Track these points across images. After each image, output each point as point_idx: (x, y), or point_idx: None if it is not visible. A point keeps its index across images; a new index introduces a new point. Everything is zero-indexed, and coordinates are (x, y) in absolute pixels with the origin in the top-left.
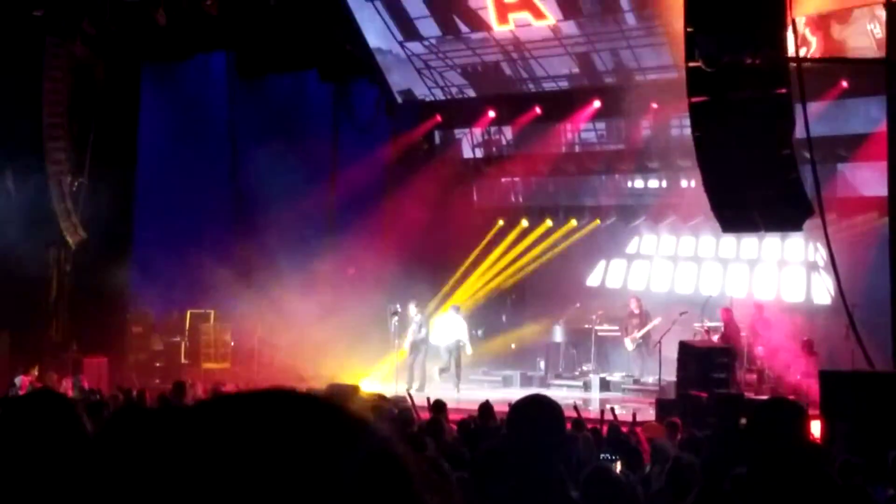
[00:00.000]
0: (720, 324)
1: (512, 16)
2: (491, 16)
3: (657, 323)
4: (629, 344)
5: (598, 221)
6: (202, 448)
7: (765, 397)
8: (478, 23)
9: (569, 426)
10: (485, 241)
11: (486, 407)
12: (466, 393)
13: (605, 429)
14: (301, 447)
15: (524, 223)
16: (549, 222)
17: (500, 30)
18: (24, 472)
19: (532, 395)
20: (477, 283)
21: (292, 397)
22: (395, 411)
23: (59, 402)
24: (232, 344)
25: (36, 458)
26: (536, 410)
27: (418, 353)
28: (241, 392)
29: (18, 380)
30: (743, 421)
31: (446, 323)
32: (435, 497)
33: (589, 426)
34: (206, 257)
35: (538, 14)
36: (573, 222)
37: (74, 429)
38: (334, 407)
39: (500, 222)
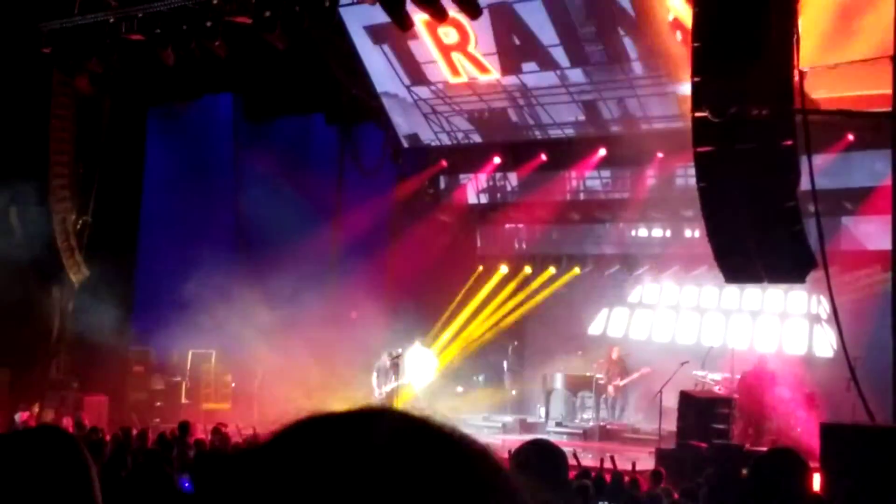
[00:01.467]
0: (720, 376)
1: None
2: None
3: (645, 372)
4: (612, 390)
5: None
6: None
7: (765, 449)
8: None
9: (573, 474)
10: (488, 288)
11: None
12: None
13: (608, 477)
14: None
15: (527, 270)
16: (552, 269)
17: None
18: None
19: (535, 440)
20: (479, 329)
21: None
22: None
23: (64, 439)
24: (233, 385)
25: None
26: (538, 455)
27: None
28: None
29: (18, 416)
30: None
31: (420, 359)
32: None
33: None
34: (208, 298)
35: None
36: (576, 270)
37: (79, 465)
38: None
39: (504, 269)
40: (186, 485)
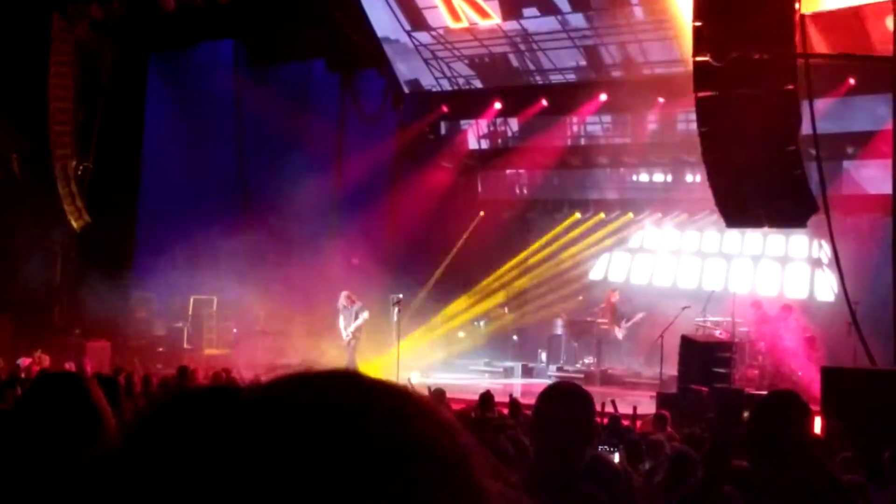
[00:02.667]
0: (721, 319)
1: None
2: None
3: (643, 316)
4: (619, 333)
5: (602, 215)
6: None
7: (759, 392)
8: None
9: None
10: (488, 233)
11: (486, 397)
12: (467, 383)
13: (604, 421)
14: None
15: (529, 215)
16: (553, 215)
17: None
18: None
19: (563, 382)
20: (494, 278)
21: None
22: None
23: (79, 384)
24: (234, 330)
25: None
26: (567, 397)
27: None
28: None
29: (21, 362)
30: (745, 415)
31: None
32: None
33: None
34: (210, 244)
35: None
36: (577, 215)
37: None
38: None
39: (505, 214)
40: None
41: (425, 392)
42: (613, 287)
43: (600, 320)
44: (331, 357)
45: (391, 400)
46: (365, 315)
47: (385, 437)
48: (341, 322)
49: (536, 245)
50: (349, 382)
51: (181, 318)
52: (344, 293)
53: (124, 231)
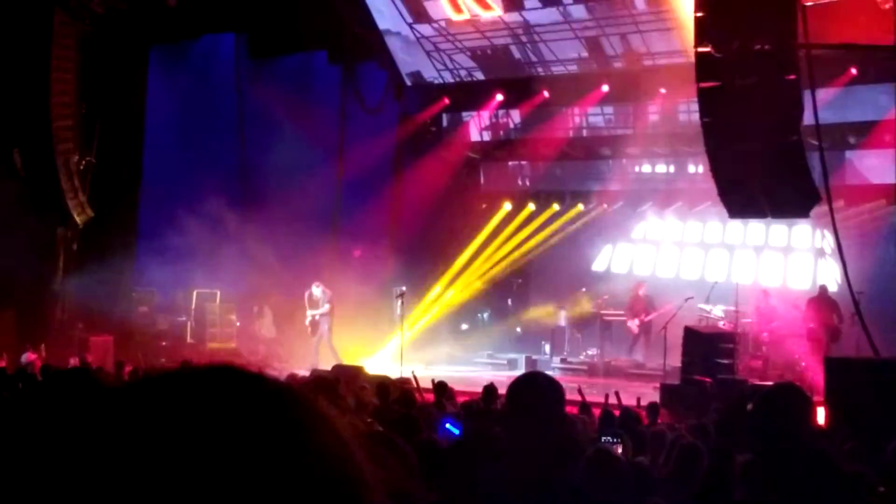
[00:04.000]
0: (725, 309)
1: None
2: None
3: (669, 308)
4: (633, 325)
5: (603, 206)
6: (115, 428)
7: (770, 383)
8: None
9: (576, 410)
10: (491, 225)
11: (489, 389)
12: (472, 375)
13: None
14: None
15: (531, 207)
16: (555, 206)
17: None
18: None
19: (530, 372)
20: (483, 267)
21: (226, 373)
22: (397, 392)
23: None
24: (237, 324)
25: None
26: (533, 386)
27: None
28: (168, 371)
29: (24, 357)
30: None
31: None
32: (371, 465)
33: (596, 410)
34: (212, 237)
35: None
36: (580, 207)
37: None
38: (255, 378)
39: (507, 205)
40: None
41: (429, 384)
42: (640, 280)
43: (605, 311)
44: (335, 348)
45: (264, 398)
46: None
47: (245, 437)
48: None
49: (540, 237)
50: (215, 380)
51: (184, 311)
52: (315, 283)
53: (126, 225)
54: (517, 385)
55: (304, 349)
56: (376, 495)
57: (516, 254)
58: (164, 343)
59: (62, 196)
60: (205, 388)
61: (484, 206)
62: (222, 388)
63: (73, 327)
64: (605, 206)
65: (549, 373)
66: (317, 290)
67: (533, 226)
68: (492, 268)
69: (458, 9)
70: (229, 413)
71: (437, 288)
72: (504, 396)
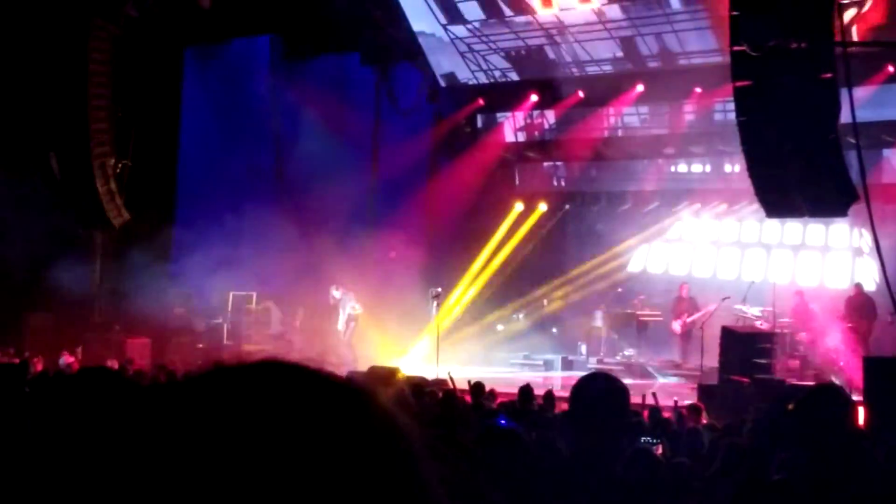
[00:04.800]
0: (762, 309)
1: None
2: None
3: (711, 309)
4: (677, 327)
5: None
6: (194, 422)
7: (809, 383)
8: (521, 6)
9: None
10: (526, 226)
11: (525, 390)
12: (508, 375)
13: (645, 414)
14: (296, 419)
15: (566, 207)
16: (589, 207)
17: (543, 13)
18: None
19: (597, 372)
20: (518, 267)
21: (287, 369)
22: (438, 393)
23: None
24: (273, 326)
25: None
26: (602, 388)
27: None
28: (234, 364)
29: (62, 359)
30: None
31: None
32: (439, 467)
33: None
34: (248, 239)
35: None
36: (614, 207)
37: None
38: (331, 379)
39: (542, 206)
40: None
41: (465, 385)
42: (683, 280)
43: (643, 312)
44: (370, 349)
45: (316, 393)
46: (353, 304)
47: (304, 431)
48: (342, 315)
49: (575, 238)
50: (270, 375)
51: (220, 314)
52: (333, 286)
53: (163, 227)
54: (582, 386)
55: (339, 350)
56: (442, 494)
57: (553, 254)
58: (200, 345)
59: (99, 199)
60: (277, 383)
61: (519, 206)
62: (295, 384)
63: (110, 330)
64: (643, 206)
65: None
66: (336, 293)
67: (567, 226)
68: (527, 269)
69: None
70: (301, 407)
71: (472, 289)
72: (568, 398)
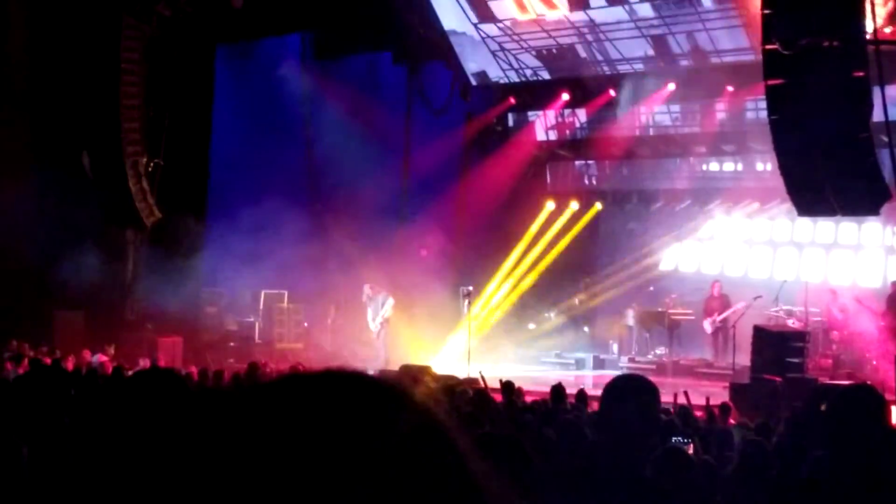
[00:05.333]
0: (794, 308)
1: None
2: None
3: (740, 307)
4: (708, 326)
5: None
6: (272, 425)
7: (843, 382)
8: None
9: None
10: (558, 224)
11: (557, 389)
12: (539, 374)
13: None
14: (351, 423)
15: (598, 206)
16: (622, 205)
17: (575, 15)
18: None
19: (629, 374)
20: (550, 266)
21: (346, 378)
22: (469, 392)
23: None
24: (305, 324)
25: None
26: (633, 389)
27: (382, 330)
28: (302, 373)
29: (95, 358)
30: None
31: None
32: (484, 467)
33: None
34: (279, 237)
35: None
36: (646, 206)
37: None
38: (383, 384)
39: (574, 205)
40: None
41: (496, 384)
42: (716, 279)
43: (674, 310)
44: (402, 348)
45: (377, 400)
46: (391, 302)
47: (367, 436)
48: (370, 314)
49: (607, 236)
50: (335, 383)
51: (252, 312)
52: (367, 285)
53: (194, 226)
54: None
55: (370, 350)
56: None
57: (584, 253)
58: (232, 343)
59: (131, 198)
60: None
61: (550, 205)
62: (359, 394)
63: (142, 328)
64: (675, 205)
65: (616, 373)
66: (369, 291)
67: (599, 225)
68: (559, 268)
69: (523, 8)
70: (362, 415)
71: (503, 287)
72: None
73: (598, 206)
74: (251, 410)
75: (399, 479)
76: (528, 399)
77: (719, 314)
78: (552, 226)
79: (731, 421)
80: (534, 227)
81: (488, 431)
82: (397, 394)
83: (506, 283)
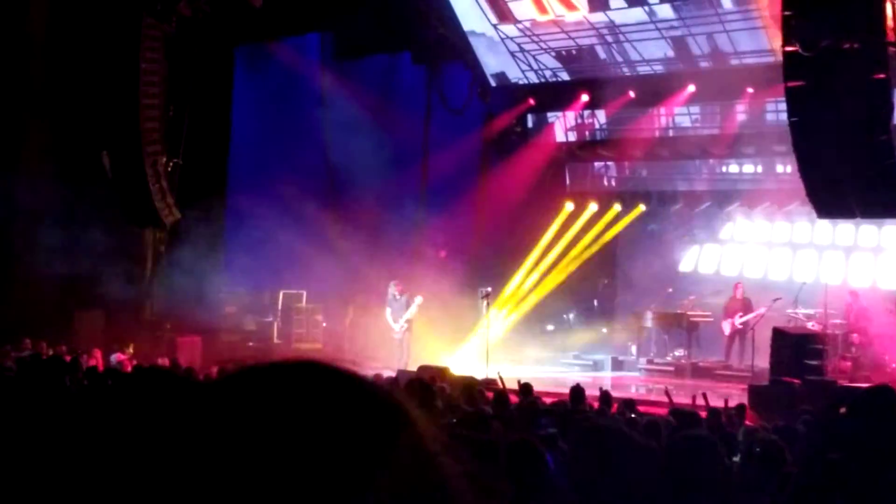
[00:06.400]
0: (813, 311)
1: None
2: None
3: (761, 311)
4: (727, 327)
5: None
6: (215, 422)
7: (863, 385)
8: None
9: (665, 411)
10: (577, 226)
11: (577, 391)
12: (558, 376)
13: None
14: (311, 414)
15: (617, 207)
16: (641, 207)
17: (595, 14)
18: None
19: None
20: (569, 267)
21: (306, 368)
22: (487, 393)
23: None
24: (324, 324)
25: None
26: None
27: (406, 331)
28: (258, 364)
29: (114, 357)
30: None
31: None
32: (454, 464)
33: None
34: (298, 238)
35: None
36: (666, 208)
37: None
38: (347, 375)
39: (593, 206)
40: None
41: (514, 385)
42: (738, 281)
43: (694, 312)
44: (420, 349)
45: (344, 391)
46: (418, 300)
47: (330, 426)
48: (388, 313)
49: (626, 238)
50: (302, 373)
51: (271, 312)
52: (393, 282)
53: (213, 226)
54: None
55: (387, 350)
56: (460, 493)
57: (602, 254)
58: (251, 343)
59: (150, 198)
60: (296, 382)
61: (569, 206)
62: (316, 384)
63: (161, 328)
64: (694, 206)
65: (635, 374)
66: (395, 291)
67: (619, 226)
68: (577, 268)
69: (542, 9)
70: (319, 407)
71: (522, 288)
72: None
73: (641, 206)
74: (216, 403)
75: (357, 469)
76: (548, 400)
77: (740, 317)
78: (571, 227)
79: (747, 422)
80: (553, 229)
81: (490, 438)
82: (362, 387)
83: (525, 285)
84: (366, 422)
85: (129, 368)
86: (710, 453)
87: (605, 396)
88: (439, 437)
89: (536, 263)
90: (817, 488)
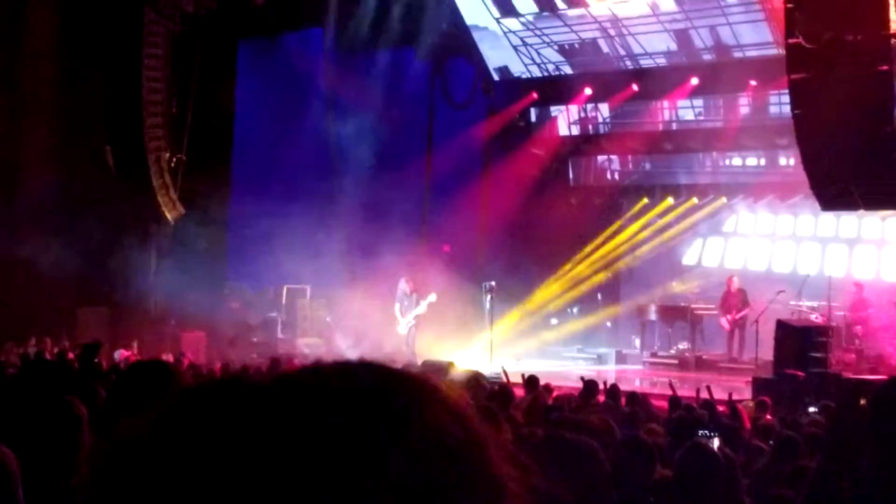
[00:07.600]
0: (817, 303)
1: None
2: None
3: (757, 306)
4: (725, 322)
5: (694, 200)
6: (268, 424)
7: (869, 377)
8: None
9: (665, 405)
10: (582, 220)
11: (590, 385)
12: (561, 370)
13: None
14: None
15: (670, 200)
16: (644, 200)
17: (597, 6)
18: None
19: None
20: (573, 261)
21: (362, 368)
22: (494, 387)
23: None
24: (328, 319)
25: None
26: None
27: (413, 326)
28: (310, 366)
29: (118, 354)
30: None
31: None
32: (510, 467)
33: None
34: (302, 232)
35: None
36: (669, 200)
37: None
38: (406, 375)
39: (596, 200)
40: None
41: (519, 379)
42: (732, 273)
43: (698, 305)
44: (424, 343)
45: (405, 390)
46: (432, 298)
47: (396, 426)
48: (398, 309)
49: (630, 231)
50: (362, 372)
51: (275, 307)
52: (404, 279)
53: (217, 221)
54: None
55: (392, 344)
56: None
57: (606, 248)
58: (255, 339)
59: (154, 193)
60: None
61: (573, 200)
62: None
63: (165, 324)
64: (695, 199)
65: (639, 367)
66: (405, 287)
67: (622, 220)
68: (581, 262)
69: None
70: (391, 410)
71: (526, 283)
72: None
73: (670, 200)
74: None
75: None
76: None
77: (737, 312)
78: (574, 221)
79: (768, 417)
80: (556, 223)
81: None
82: (427, 387)
83: (529, 279)
84: (442, 438)
85: None
86: (720, 472)
87: (612, 390)
88: (507, 448)
89: (540, 258)
90: (842, 479)
